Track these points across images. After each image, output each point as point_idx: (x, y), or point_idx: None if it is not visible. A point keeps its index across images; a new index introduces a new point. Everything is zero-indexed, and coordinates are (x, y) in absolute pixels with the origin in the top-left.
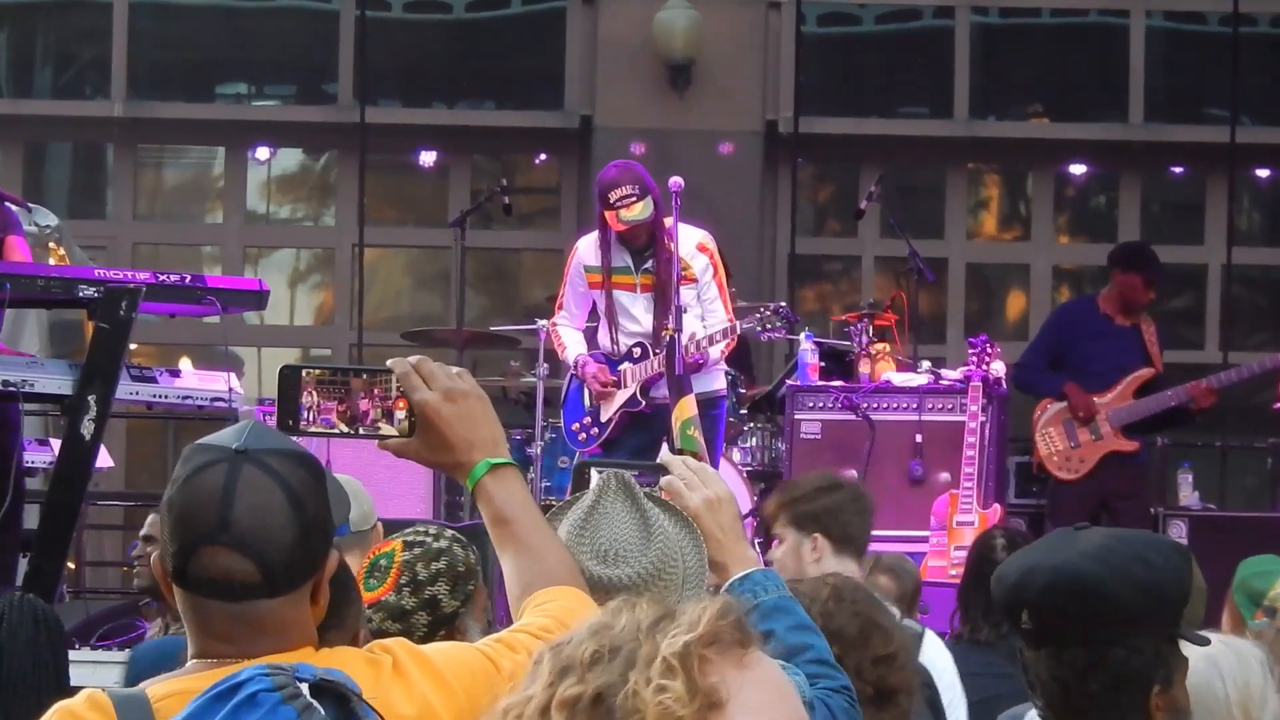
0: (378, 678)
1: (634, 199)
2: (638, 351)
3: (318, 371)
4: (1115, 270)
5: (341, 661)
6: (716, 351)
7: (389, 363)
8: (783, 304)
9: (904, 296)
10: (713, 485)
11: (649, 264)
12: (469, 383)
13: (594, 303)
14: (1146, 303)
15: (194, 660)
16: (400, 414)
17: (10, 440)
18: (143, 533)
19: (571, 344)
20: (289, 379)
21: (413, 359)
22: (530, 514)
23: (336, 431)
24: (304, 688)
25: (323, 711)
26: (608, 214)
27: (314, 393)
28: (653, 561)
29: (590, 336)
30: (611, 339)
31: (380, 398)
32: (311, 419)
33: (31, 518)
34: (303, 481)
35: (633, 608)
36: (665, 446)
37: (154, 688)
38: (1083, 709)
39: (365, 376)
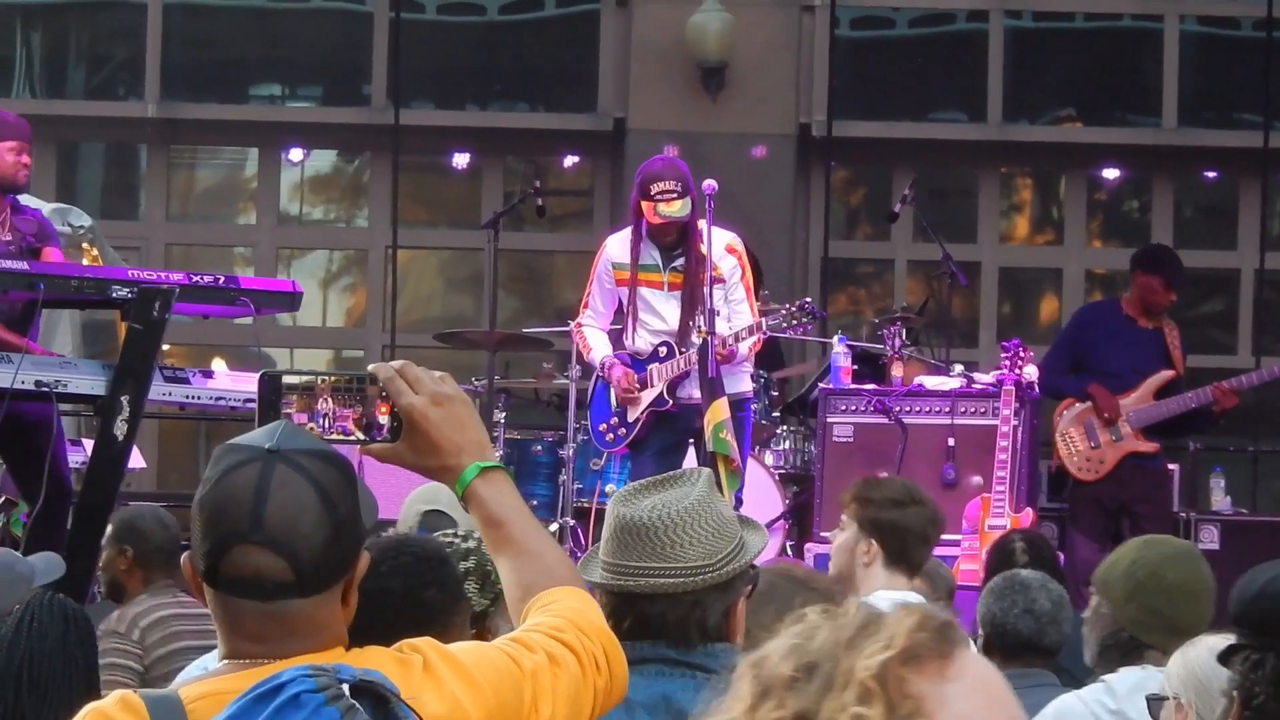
0: (409, 677)
1: (675, 196)
2: (664, 351)
3: (323, 379)
4: (1136, 272)
5: (373, 661)
6: (745, 348)
7: (371, 368)
8: (808, 299)
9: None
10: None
11: (677, 262)
12: (453, 386)
13: (620, 301)
14: (1167, 304)
15: (225, 661)
16: (384, 419)
17: (43, 439)
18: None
19: (597, 345)
20: (270, 385)
21: (396, 364)
22: (523, 515)
23: (327, 438)
24: (345, 688)
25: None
26: (645, 204)
27: (329, 399)
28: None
29: (616, 337)
30: (632, 334)
31: (365, 403)
32: (326, 426)
33: None
34: (335, 482)
35: (833, 620)
36: (693, 448)
37: (187, 689)
38: None
39: (350, 382)
